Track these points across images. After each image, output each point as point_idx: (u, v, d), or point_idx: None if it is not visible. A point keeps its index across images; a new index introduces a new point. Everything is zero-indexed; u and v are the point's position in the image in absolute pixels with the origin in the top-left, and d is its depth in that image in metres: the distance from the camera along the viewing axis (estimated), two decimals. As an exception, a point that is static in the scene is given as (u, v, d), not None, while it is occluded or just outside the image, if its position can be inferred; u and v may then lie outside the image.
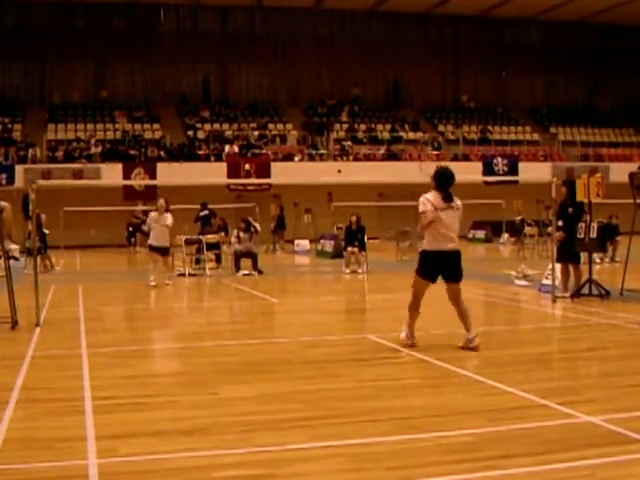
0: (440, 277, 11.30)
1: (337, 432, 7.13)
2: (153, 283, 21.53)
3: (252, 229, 26.38)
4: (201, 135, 48.96)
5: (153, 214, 22.35)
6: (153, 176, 41.88)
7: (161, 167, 42.82)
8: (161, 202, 22.38)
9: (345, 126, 52.22)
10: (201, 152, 46.56)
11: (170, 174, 41.31)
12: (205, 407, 8.16)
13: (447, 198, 11.07)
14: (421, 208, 11.05)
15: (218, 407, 8.16)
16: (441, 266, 11.17)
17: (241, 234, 25.69)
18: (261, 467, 6.23)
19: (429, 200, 11.04)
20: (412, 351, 10.96)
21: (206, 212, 30.40)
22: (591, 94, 57.72)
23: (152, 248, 22.17)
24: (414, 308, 11.45)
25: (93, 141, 45.66)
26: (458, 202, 11.25)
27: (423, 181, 13.10)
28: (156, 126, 49.48)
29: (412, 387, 8.99)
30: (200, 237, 26.75)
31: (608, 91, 57.69)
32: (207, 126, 50.17)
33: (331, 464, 6.27)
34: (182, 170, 42.10)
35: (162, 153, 45.56)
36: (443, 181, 11.15)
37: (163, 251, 22.05)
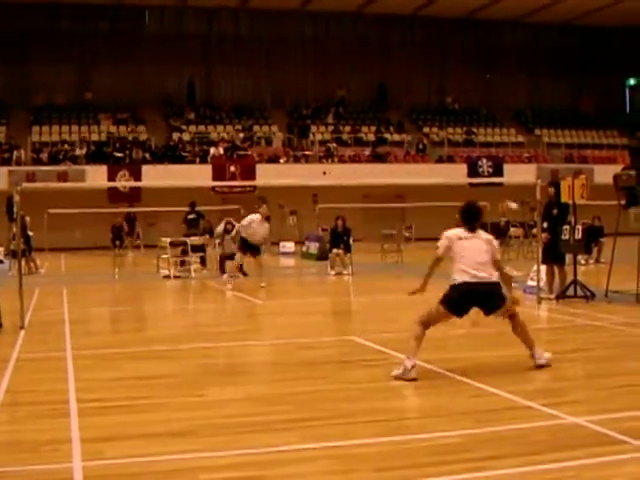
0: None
1: (325, 434, 7.13)
2: (230, 286, 21.12)
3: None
4: (186, 137, 48.88)
5: (255, 217, 21.65)
6: (138, 178, 41.79)
7: (146, 169, 42.72)
8: (265, 208, 21.99)
9: (330, 128, 52.23)
10: (186, 154, 46.46)
11: (155, 176, 41.23)
12: (193, 409, 8.16)
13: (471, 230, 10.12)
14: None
15: (206, 409, 8.16)
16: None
17: (226, 236, 25.68)
18: (250, 469, 6.23)
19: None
20: (399, 353, 10.95)
21: (194, 215, 30.33)
22: (576, 96, 57.86)
23: (247, 247, 21.62)
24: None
25: (78, 143, 45.56)
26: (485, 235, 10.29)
27: (408, 182, 13.10)
28: (141, 128, 49.36)
29: (399, 389, 9.00)
30: (185, 239, 26.70)
31: (592, 93, 57.82)
32: (192, 128, 50.07)
33: (320, 465, 6.28)
34: (167, 172, 42.00)
35: (147, 155, 45.46)
36: (468, 216, 10.24)
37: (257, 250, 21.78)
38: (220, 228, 26.33)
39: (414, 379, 9.27)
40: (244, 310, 17.90)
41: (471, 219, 10.16)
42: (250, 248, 21.39)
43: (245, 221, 21.44)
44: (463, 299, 9.68)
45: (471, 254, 9.77)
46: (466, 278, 9.65)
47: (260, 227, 21.40)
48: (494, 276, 9.75)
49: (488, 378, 9.21)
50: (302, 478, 6.04)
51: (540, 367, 9.71)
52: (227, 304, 19.20)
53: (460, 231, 10.06)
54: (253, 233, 21.30)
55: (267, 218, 22.49)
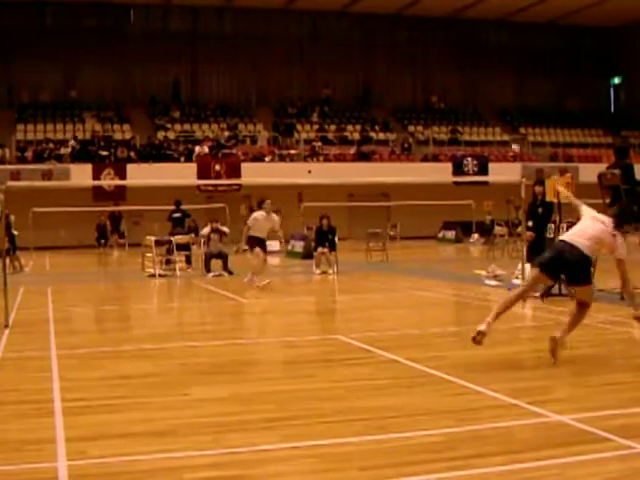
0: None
1: (309, 433, 7.13)
2: (263, 282, 20.91)
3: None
4: (171, 135, 48.81)
5: (258, 214, 21.46)
6: (123, 177, 41.71)
7: (131, 168, 42.64)
8: (268, 203, 21.80)
9: (315, 127, 52.23)
10: (171, 153, 46.38)
11: (140, 175, 41.13)
12: (176, 408, 8.14)
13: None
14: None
15: (189, 408, 8.14)
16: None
17: (212, 235, 25.67)
18: (233, 468, 6.22)
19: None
20: (383, 351, 10.97)
21: (179, 214, 30.29)
22: (561, 95, 57.98)
23: (256, 242, 21.33)
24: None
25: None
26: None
27: (395, 181, 13.09)
28: (126, 127, 49.27)
29: (383, 387, 8.99)
30: (170, 238, 26.66)
31: (578, 92, 58.00)
32: (177, 127, 50.02)
33: (303, 464, 6.27)
34: (152, 171, 41.90)
35: (132, 154, 45.35)
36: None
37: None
38: (206, 231, 26.20)
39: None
40: (229, 309, 17.88)
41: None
42: (259, 243, 21.35)
43: (250, 221, 21.39)
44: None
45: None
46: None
47: (267, 222, 21.36)
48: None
49: (473, 376, 9.23)
50: (286, 477, 6.04)
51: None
52: (212, 303, 19.17)
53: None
54: (260, 228, 21.28)
55: (276, 211, 22.67)
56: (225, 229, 26.47)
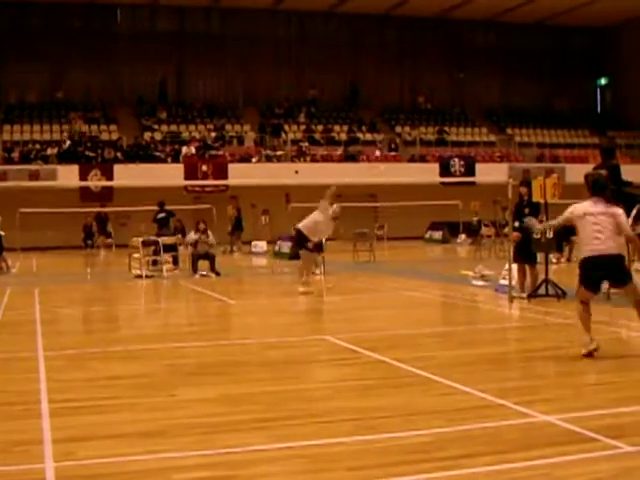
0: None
1: (297, 433, 7.14)
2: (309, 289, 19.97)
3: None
4: (158, 136, 48.75)
5: (319, 217, 20.30)
6: (110, 177, 41.64)
7: (118, 168, 42.56)
8: (336, 207, 20.77)
9: (302, 127, 52.23)
10: (158, 153, 46.31)
11: (127, 175, 41.05)
12: (164, 409, 8.13)
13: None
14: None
15: (177, 409, 8.14)
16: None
17: (200, 236, 25.59)
18: (221, 469, 6.22)
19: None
20: (371, 352, 10.98)
21: (163, 214, 30.26)
22: (548, 96, 58.10)
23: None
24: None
25: (67, 142, 45.40)
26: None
27: (381, 182, 13.09)
28: (112, 127, 49.20)
29: (371, 388, 9.00)
30: (157, 239, 26.62)
31: (565, 92, 58.12)
32: (164, 127, 49.95)
33: (291, 465, 6.28)
34: (139, 171, 41.81)
35: (119, 154, 45.28)
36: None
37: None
38: (192, 238, 25.81)
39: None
40: (216, 310, 17.87)
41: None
42: (317, 247, 20.64)
43: (310, 222, 20.36)
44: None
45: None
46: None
47: (327, 227, 20.50)
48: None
49: (460, 376, 9.24)
50: (274, 477, 6.04)
51: None
52: (200, 304, 19.16)
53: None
54: (320, 231, 20.35)
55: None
56: (211, 239, 25.82)
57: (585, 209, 10.60)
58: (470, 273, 21.74)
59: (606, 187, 10.72)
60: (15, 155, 43.94)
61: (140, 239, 25.80)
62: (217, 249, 27.90)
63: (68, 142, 45.44)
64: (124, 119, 49.96)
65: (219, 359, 11.05)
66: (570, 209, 10.89)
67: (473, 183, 41.65)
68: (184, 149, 46.20)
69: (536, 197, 17.28)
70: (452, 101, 57.30)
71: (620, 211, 10.53)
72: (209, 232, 25.79)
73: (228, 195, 41.33)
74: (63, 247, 40.38)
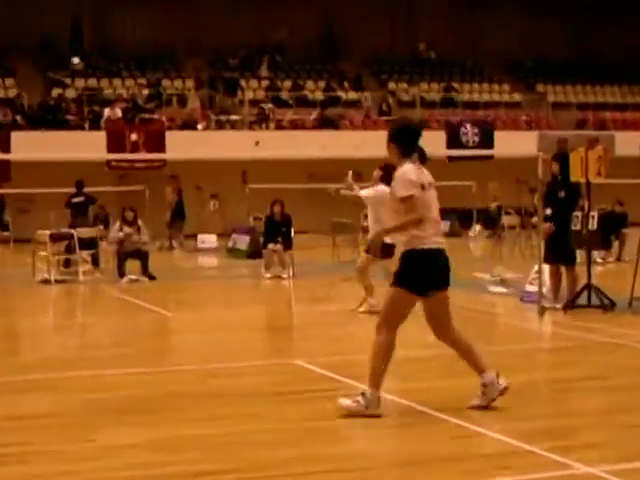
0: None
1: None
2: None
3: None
4: (71, 94, 48.55)
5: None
6: (6, 149, 41.39)
7: (16, 137, 42.33)
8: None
9: (265, 83, 52.21)
10: (71, 117, 46.19)
11: (29, 146, 40.85)
12: (80, 459, 8.11)
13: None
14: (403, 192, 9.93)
15: (96, 458, 8.11)
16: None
17: (126, 228, 25.49)
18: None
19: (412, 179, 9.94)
20: (353, 381, 10.96)
21: (81, 198, 30.18)
22: (586, 41, 58.16)
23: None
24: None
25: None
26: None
27: (367, 156, 13.07)
28: (9, 81, 49.01)
29: (352, 428, 8.99)
30: (71, 231, 26.50)
31: (609, 37, 58.16)
32: (79, 82, 49.75)
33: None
34: (45, 141, 41.65)
35: (18, 118, 45.09)
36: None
37: None
38: (117, 234, 25.67)
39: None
40: (149, 325, 17.86)
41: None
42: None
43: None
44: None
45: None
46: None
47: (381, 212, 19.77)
48: None
49: (474, 414, 9.24)
50: None
51: None
52: (127, 317, 19.12)
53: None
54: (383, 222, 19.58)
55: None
56: (145, 236, 25.74)
57: None
58: (487, 276, 21.78)
59: None
60: None
61: (47, 232, 25.68)
62: (151, 245, 27.85)
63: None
64: (24, 71, 49.72)
65: (151, 391, 11.03)
66: None
67: (491, 157, 41.73)
68: (107, 111, 46.03)
69: (575, 176, 17.29)
70: (463, 49, 57.33)
71: None
72: (140, 223, 25.74)
73: (166, 173, 41.26)
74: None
